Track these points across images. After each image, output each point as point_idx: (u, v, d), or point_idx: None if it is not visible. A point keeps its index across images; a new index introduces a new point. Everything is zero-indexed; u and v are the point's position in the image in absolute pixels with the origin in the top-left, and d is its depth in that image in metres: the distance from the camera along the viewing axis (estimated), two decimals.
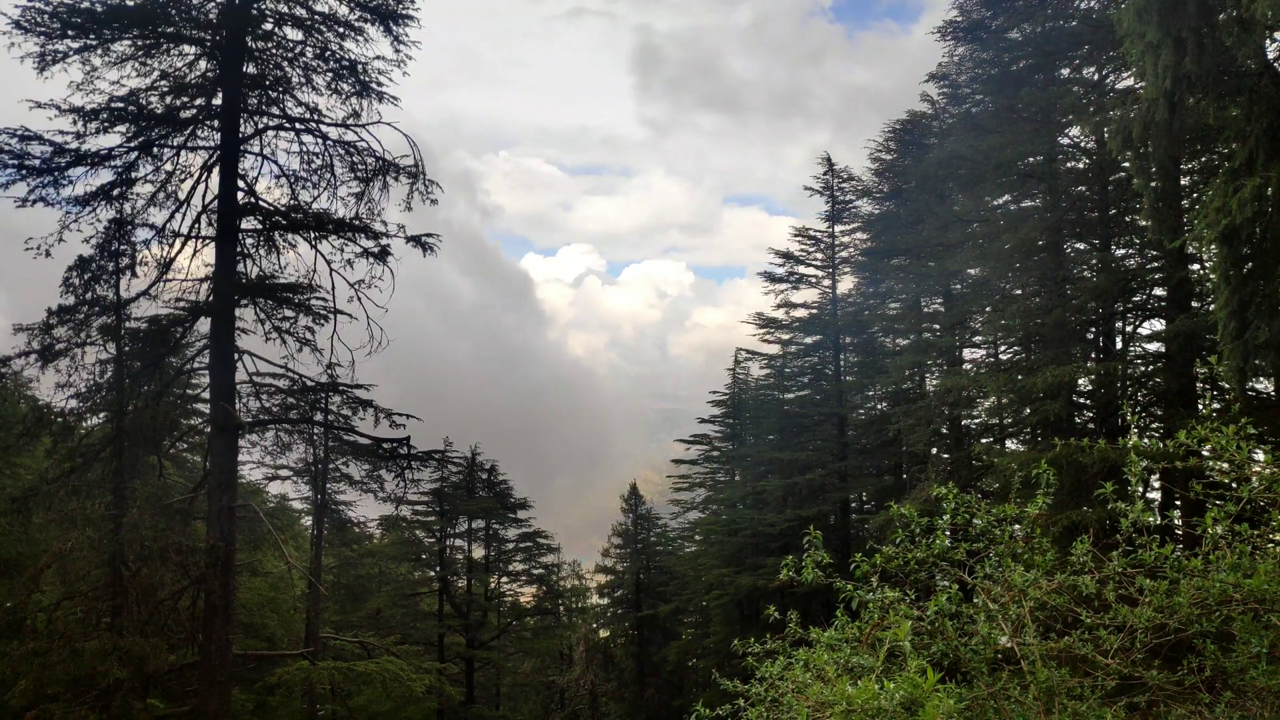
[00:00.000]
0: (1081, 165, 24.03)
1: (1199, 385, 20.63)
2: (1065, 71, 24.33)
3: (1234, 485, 6.65)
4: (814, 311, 38.88)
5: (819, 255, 38.44)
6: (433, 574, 39.54)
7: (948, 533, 6.62)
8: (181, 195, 19.57)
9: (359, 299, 19.56)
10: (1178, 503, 17.61)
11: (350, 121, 19.64)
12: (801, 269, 38.68)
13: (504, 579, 42.59)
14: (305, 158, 19.99)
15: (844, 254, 38.36)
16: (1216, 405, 20.30)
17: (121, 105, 18.36)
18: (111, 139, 18.62)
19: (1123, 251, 23.53)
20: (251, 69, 19.47)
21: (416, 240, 19.60)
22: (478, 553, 40.44)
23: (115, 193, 18.90)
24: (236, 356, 19.26)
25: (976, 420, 30.05)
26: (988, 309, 26.53)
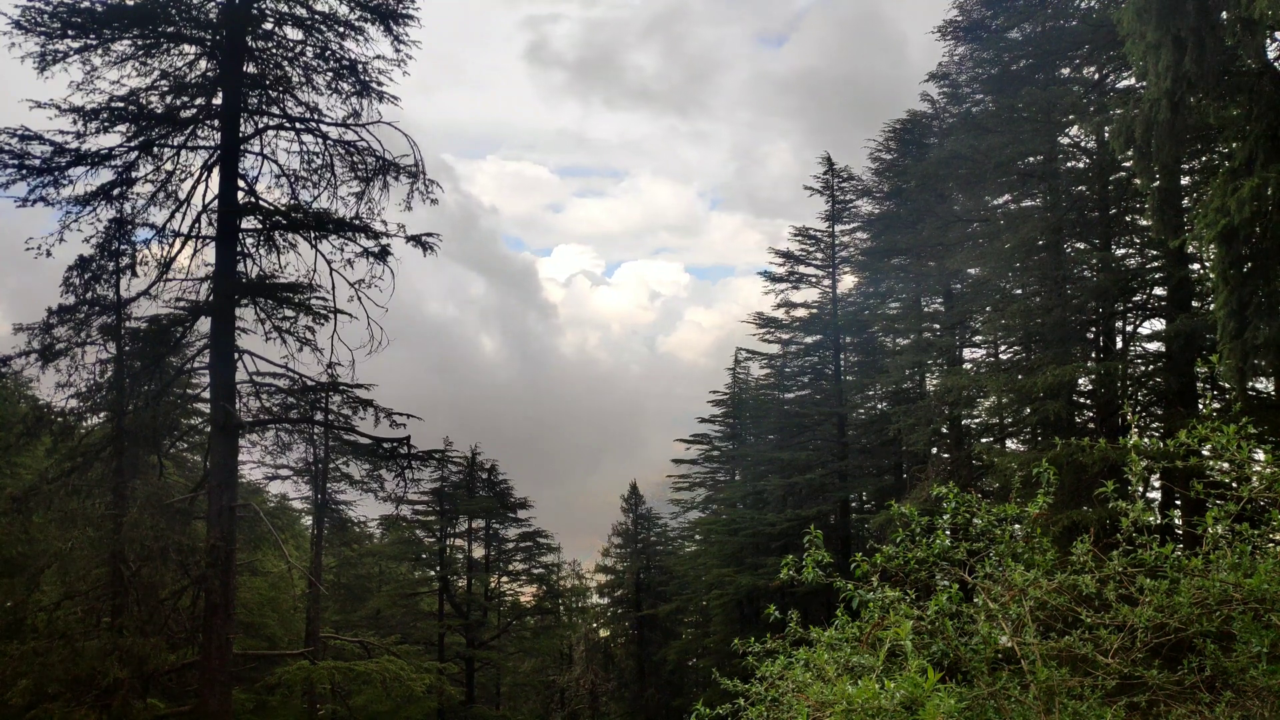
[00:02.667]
0: (1082, 165, 24.02)
1: (1199, 385, 20.63)
2: (1065, 71, 24.32)
3: (1234, 485, 6.65)
4: (814, 311, 38.85)
5: (819, 255, 38.43)
6: (433, 574, 39.54)
7: (948, 532, 6.61)
8: (181, 195, 19.59)
9: (359, 298, 19.59)
10: (1178, 502, 17.62)
11: (350, 121, 19.66)
12: (802, 269, 38.68)
13: (504, 579, 42.61)
14: (305, 157, 20.02)
15: (844, 254, 38.35)
16: (1217, 405, 20.29)
17: (121, 105, 18.37)
18: (112, 139, 18.66)
19: (1123, 251, 23.53)
20: (252, 68, 19.47)
21: (417, 240, 19.61)
22: (478, 552, 40.47)
23: (115, 192, 18.91)
24: (236, 356, 19.27)
25: (976, 420, 30.04)
26: (988, 309, 26.50)
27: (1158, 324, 22.38)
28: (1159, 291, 22.26)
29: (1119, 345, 23.42)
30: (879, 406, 38.36)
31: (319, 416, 22.55)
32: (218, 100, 19.31)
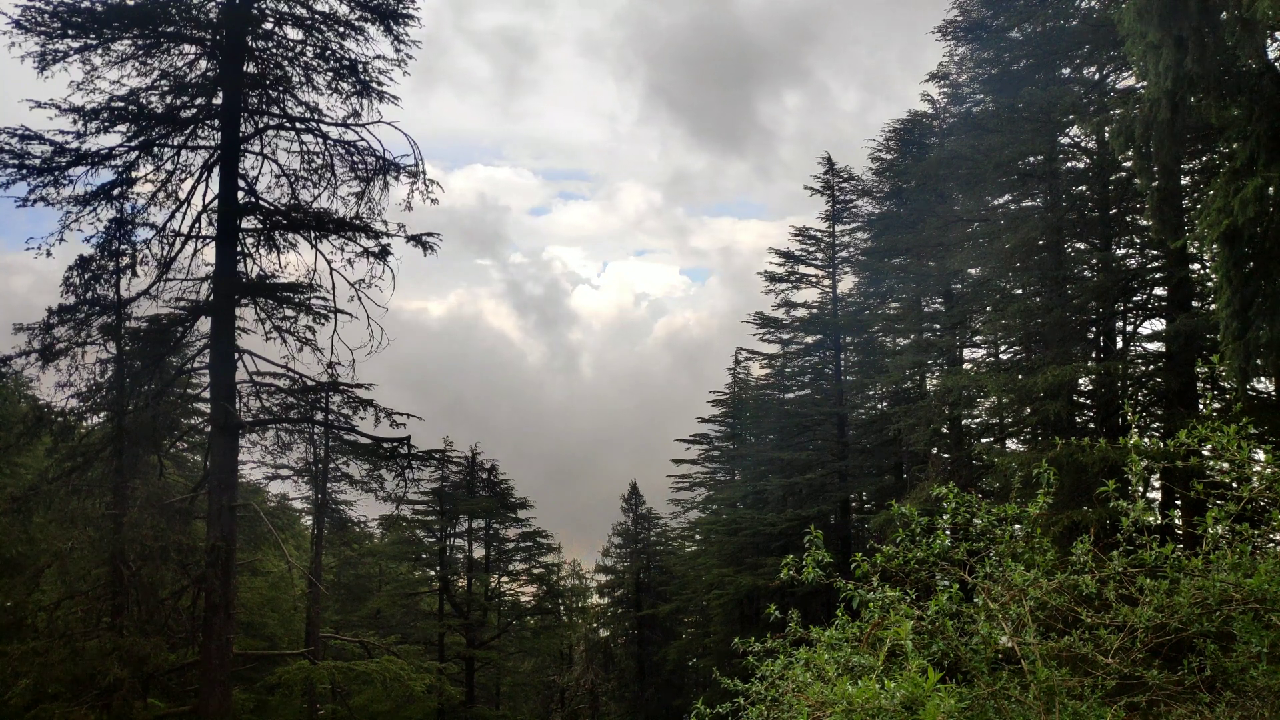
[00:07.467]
0: (1082, 165, 24.01)
1: (1200, 385, 20.62)
2: (1066, 71, 24.30)
3: (1234, 485, 6.65)
4: (814, 311, 38.87)
5: (819, 255, 38.45)
6: (433, 573, 39.52)
7: (948, 532, 6.61)
8: (182, 195, 19.60)
9: (359, 298, 19.60)
10: (1178, 502, 17.60)
11: (350, 121, 19.67)
12: (802, 268, 38.70)
13: (504, 578, 42.57)
14: (305, 157, 20.02)
15: (844, 254, 38.37)
16: (1217, 405, 20.30)
17: (122, 105, 18.37)
18: (112, 139, 18.67)
19: (1123, 251, 23.51)
20: (252, 68, 19.47)
21: (417, 239, 19.61)
22: (478, 552, 40.44)
23: (115, 192, 18.91)
24: (237, 356, 19.27)
25: (977, 420, 30.04)
26: (988, 309, 26.50)
27: (1158, 324, 22.36)
28: (1159, 291, 22.24)
29: (1119, 345, 23.40)
30: (879, 406, 38.36)
31: (319, 416, 22.54)
32: (218, 100, 19.31)
